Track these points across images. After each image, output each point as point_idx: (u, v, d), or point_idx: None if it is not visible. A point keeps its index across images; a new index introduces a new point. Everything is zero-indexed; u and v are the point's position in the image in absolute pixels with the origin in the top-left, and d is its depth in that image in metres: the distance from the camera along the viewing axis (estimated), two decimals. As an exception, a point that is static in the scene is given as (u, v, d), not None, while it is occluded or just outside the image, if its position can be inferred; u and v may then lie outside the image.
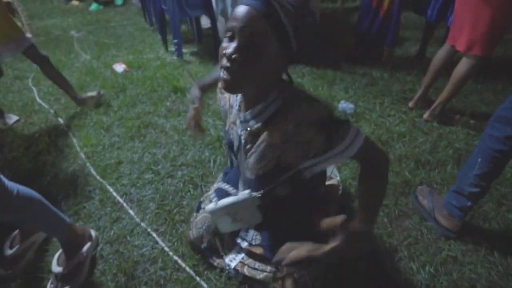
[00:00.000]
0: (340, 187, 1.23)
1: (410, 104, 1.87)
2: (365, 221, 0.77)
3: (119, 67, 2.57)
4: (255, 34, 0.61)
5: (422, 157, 1.49)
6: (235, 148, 0.86)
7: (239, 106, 0.81)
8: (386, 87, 2.12)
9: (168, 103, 2.07)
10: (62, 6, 4.94)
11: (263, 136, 0.74)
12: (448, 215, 1.13)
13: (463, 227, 1.14)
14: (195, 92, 1.02)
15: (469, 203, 1.08)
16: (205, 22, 3.39)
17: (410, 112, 1.84)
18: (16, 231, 1.13)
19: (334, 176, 1.31)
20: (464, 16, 1.48)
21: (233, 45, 0.62)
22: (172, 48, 2.95)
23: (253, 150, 0.78)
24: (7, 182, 0.86)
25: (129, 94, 2.20)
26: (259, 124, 0.75)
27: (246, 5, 0.62)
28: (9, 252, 1.09)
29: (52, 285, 0.98)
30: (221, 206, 0.87)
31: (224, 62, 0.64)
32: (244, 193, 0.86)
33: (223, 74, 0.65)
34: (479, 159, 1.01)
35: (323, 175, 1.07)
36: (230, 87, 0.66)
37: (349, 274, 1.02)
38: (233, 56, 0.62)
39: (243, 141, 0.81)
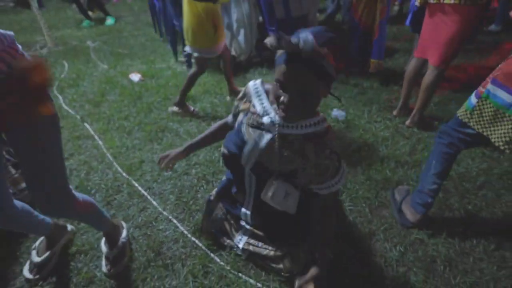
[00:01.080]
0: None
1: (394, 112, 2.12)
2: (321, 265, 1.01)
3: (135, 77, 2.84)
4: (303, 86, 0.77)
5: (401, 158, 1.74)
6: (247, 149, 0.98)
7: (275, 111, 0.94)
8: (375, 96, 2.37)
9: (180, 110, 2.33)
10: (78, 15, 5.22)
11: (300, 146, 0.92)
12: (413, 210, 1.37)
13: (431, 216, 1.39)
14: (176, 153, 1.21)
15: (429, 200, 1.33)
16: (211, 33, 3.66)
17: (394, 119, 2.09)
18: (42, 238, 1.27)
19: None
20: (430, 33, 1.75)
21: (286, 97, 0.78)
22: (181, 58, 3.22)
23: (283, 152, 0.93)
24: (76, 193, 1.06)
25: (145, 101, 2.46)
26: (298, 134, 0.91)
27: (292, 69, 0.75)
28: (37, 259, 1.20)
29: (107, 266, 1.22)
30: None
31: (281, 106, 0.81)
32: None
33: (281, 111, 0.83)
34: (433, 161, 1.28)
35: None
36: (287, 120, 0.85)
37: (334, 253, 1.26)
38: (286, 105, 0.79)
39: (275, 141, 0.93)
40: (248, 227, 1.24)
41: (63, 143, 1.98)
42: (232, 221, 1.28)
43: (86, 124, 2.19)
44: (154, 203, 1.53)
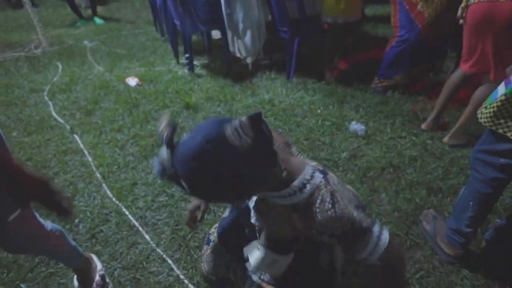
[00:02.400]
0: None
1: (423, 126, 1.87)
2: None
3: (132, 81, 2.62)
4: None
5: (434, 184, 1.49)
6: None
7: None
8: (397, 106, 2.12)
9: (180, 120, 2.11)
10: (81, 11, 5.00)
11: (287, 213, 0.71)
12: (450, 243, 1.15)
13: (477, 261, 1.15)
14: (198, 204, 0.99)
15: (467, 241, 1.11)
16: (215, 33, 3.42)
17: (422, 134, 1.84)
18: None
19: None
20: (482, 46, 1.48)
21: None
22: (183, 60, 2.99)
23: (271, 215, 0.77)
24: (42, 221, 0.88)
25: (142, 109, 2.24)
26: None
27: None
28: None
29: None
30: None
31: None
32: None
33: None
34: (471, 202, 1.03)
35: None
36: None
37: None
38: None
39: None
40: (255, 278, 1.02)
41: (48, 158, 1.80)
42: (237, 269, 1.06)
43: (75, 136, 1.98)
44: (147, 237, 1.31)
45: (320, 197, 0.63)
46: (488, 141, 0.97)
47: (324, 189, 0.64)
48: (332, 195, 0.63)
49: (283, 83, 2.51)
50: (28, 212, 0.82)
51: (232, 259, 1.06)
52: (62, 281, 1.15)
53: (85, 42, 3.81)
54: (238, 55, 2.83)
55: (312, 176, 0.66)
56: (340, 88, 2.38)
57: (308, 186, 0.65)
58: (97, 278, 1.09)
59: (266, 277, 1.00)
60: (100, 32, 4.28)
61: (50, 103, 2.40)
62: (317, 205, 0.63)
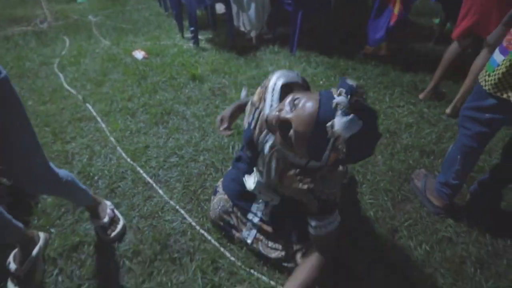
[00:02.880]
0: (347, 173, 1.36)
1: (421, 96, 1.94)
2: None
3: (139, 54, 2.68)
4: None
5: (427, 147, 1.60)
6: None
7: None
8: (397, 78, 2.18)
9: (187, 90, 2.20)
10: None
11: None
12: (438, 196, 1.27)
13: (461, 213, 1.27)
14: (228, 114, 1.10)
15: (454, 192, 1.23)
16: (219, 7, 3.43)
17: (419, 103, 1.92)
18: (16, 250, 1.12)
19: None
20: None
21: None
22: (188, 34, 3.02)
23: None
24: (56, 169, 1.00)
25: (150, 81, 2.33)
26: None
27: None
28: (15, 268, 1.07)
29: (107, 232, 1.21)
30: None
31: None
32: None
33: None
34: (458, 156, 1.14)
35: None
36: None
37: (352, 250, 1.17)
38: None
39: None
40: (256, 221, 1.15)
41: (64, 125, 1.91)
42: (239, 214, 1.19)
43: (88, 105, 2.08)
44: (160, 191, 1.44)
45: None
46: (475, 99, 1.06)
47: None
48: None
49: (286, 56, 2.56)
50: (45, 161, 0.94)
51: (234, 205, 1.19)
52: (87, 226, 1.29)
53: (90, 16, 3.82)
54: (242, 29, 2.87)
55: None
56: (342, 61, 2.43)
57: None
58: (108, 210, 1.27)
59: (264, 216, 1.13)
60: (104, 7, 4.27)
61: (60, 75, 2.48)
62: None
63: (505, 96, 0.93)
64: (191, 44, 2.89)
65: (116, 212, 1.31)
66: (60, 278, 1.12)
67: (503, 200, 1.33)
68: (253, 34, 2.85)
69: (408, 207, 1.35)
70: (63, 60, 2.71)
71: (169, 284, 1.10)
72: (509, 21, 0.98)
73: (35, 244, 1.14)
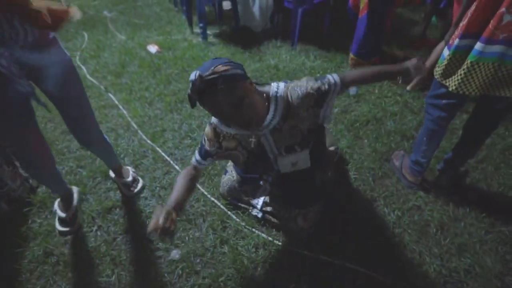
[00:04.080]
0: (338, 153, 1.60)
1: (408, 87, 2.16)
2: None
3: (152, 48, 2.92)
4: (234, 99, 0.89)
5: (407, 132, 1.82)
6: (269, 150, 1.14)
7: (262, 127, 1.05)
8: (388, 71, 2.38)
9: (197, 82, 2.44)
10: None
11: (287, 124, 1.06)
12: (411, 172, 1.50)
13: (430, 186, 1.51)
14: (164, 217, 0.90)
15: (423, 169, 1.47)
16: (226, 4, 3.63)
17: (404, 94, 2.14)
18: (58, 200, 1.44)
19: (334, 146, 1.67)
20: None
21: (238, 118, 0.94)
22: (197, 29, 3.25)
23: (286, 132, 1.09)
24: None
25: (163, 73, 2.57)
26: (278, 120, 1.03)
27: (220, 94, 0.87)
28: (64, 215, 1.38)
29: (131, 188, 1.56)
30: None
31: (245, 127, 0.99)
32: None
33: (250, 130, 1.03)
34: (424, 138, 1.37)
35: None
36: (261, 128, 1.02)
37: (340, 214, 1.42)
38: (247, 122, 0.95)
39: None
40: (260, 215, 1.41)
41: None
42: (248, 191, 1.43)
43: (110, 94, 2.34)
44: (177, 167, 1.70)
45: (289, 92, 1.03)
46: (434, 88, 1.28)
47: (290, 87, 1.03)
48: (293, 87, 1.04)
49: (287, 50, 2.78)
50: (97, 124, 1.32)
51: (243, 182, 1.43)
52: (119, 194, 1.57)
53: (105, 12, 4.06)
54: (247, 25, 3.08)
55: (277, 87, 1.04)
56: (339, 56, 2.64)
57: (279, 92, 1.02)
58: (131, 172, 1.60)
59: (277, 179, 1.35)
60: (117, 2, 4.49)
61: (83, 67, 2.74)
62: (290, 96, 1.03)
63: (445, 83, 1.15)
64: (200, 39, 3.11)
65: (136, 175, 1.62)
66: (99, 233, 1.41)
67: (468, 177, 1.56)
68: (257, 29, 3.06)
69: (386, 182, 1.59)
70: (84, 54, 2.97)
71: (187, 239, 1.37)
72: (458, 21, 1.17)
73: (72, 196, 1.47)
